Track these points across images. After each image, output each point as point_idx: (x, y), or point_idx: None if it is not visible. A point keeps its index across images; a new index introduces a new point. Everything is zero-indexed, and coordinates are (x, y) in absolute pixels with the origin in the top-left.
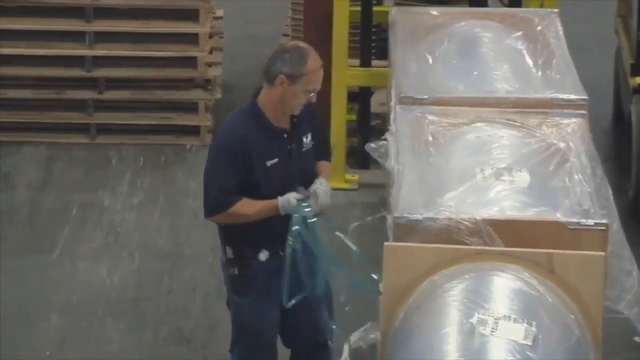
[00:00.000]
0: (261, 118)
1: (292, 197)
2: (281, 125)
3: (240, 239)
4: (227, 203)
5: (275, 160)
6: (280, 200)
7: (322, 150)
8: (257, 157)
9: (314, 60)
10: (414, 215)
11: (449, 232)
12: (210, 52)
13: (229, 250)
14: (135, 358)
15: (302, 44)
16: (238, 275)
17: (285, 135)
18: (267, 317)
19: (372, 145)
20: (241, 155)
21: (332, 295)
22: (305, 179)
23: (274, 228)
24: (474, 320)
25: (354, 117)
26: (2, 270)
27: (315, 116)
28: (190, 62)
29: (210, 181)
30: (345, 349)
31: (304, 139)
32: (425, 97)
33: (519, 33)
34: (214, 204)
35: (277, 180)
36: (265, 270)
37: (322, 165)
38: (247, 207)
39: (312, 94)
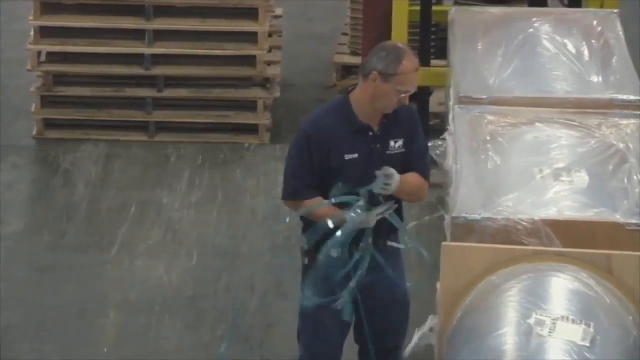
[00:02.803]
0: (347, 111)
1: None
2: (368, 122)
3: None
4: (299, 193)
5: (355, 155)
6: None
7: (416, 166)
8: (335, 148)
9: (409, 61)
10: (472, 215)
11: (507, 232)
12: (269, 51)
13: (304, 239)
14: (192, 355)
15: (400, 44)
16: (307, 265)
17: (370, 133)
18: (329, 311)
19: (431, 144)
20: (316, 143)
21: (408, 301)
22: None
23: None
24: (531, 320)
25: None
26: (61, 267)
27: (416, 128)
28: (249, 60)
29: (287, 166)
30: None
31: (391, 142)
32: (484, 96)
33: (579, 33)
34: (287, 189)
35: (355, 176)
36: (332, 265)
37: (410, 174)
38: (314, 206)
39: (404, 96)
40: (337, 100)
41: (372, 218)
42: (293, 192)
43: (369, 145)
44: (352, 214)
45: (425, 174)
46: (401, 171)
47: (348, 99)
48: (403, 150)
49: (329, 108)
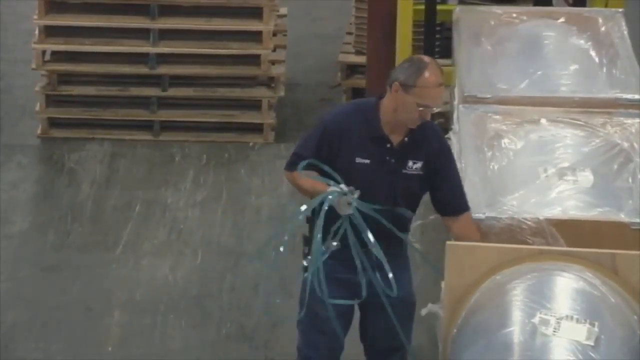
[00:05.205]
0: (371, 116)
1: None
2: (388, 134)
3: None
4: (296, 165)
5: (367, 161)
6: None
7: (460, 201)
8: (347, 147)
9: (431, 75)
10: (477, 215)
11: (512, 232)
12: (274, 50)
13: (308, 228)
14: (197, 355)
15: (427, 58)
16: (307, 254)
17: (388, 145)
18: (321, 306)
19: None
20: (330, 136)
21: (414, 302)
22: (397, 201)
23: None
24: (536, 320)
25: None
26: (66, 266)
27: (447, 159)
28: (254, 59)
29: (298, 143)
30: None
31: (410, 162)
32: (489, 96)
33: (583, 33)
34: (288, 161)
35: (363, 183)
36: (334, 258)
37: (466, 228)
38: (306, 180)
39: (423, 110)
40: (367, 101)
41: (343, 204)
42: (292, 163)
43: (384, 157)
44: (330, 194)
45: (467, 202)
46: (415, 193)
47: (377, 104)
48: (421, 173)
49: (356, 107)
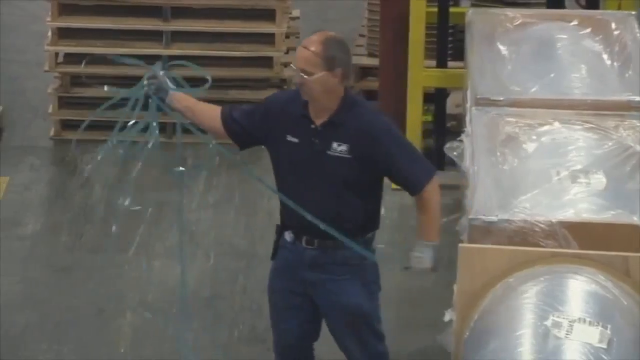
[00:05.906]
0: (300, 98)
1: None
2: (314, 114)
3: (280, 211)
4: (226, 110)
5: (296, 140)
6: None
7: (408, 182)
8: (282, 125)
9: (306, 39)
10: (489, 217)
11: (524, 234)
12: (287, 52)
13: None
14: (209, 356)
15: (327, 32)
16: (275, 241)
17: (312, 126)
18: (277, 296)
19: (448, 146)
20: (266, 111)
21: (361, 314)
22: (327, 183)
23: (293, 214)
24: (548, 322)
25: (429, 118)
26: (79, 268)
27: (380, 142)
28: (266, 62)
29: None
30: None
31: (334, 144)
32: (501, 98)
33: (596, 35)
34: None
35: (293, 160)
36: (288, 250)
37: (420, 219)
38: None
39: (294, 70)
40: None
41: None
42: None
43: (310, 137)
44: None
45: (423, 179)
46: (347, 177)
47: None
48: (348, 156)
49: (295, 90)
